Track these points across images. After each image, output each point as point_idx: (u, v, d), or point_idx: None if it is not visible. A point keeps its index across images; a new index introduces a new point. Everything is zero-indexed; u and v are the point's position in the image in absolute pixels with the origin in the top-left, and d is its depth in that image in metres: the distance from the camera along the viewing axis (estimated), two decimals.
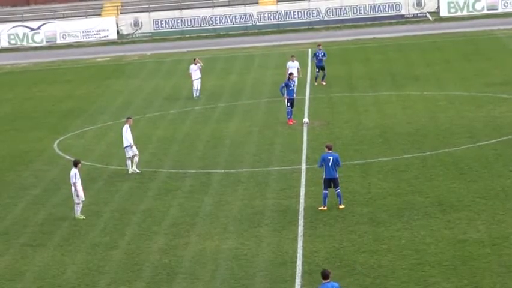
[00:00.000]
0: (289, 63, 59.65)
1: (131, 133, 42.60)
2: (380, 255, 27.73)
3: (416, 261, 27.10)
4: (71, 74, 74.55)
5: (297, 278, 26.26)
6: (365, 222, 31.65)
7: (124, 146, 42.17)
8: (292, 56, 59.90)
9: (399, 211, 32.73)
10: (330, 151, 32.51)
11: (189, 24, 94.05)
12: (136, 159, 42.44)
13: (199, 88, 59.34)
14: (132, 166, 41.91)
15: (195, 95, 59.65)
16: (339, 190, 32.25)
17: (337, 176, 32.73)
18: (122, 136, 42.38)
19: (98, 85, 68.72)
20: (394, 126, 47.30)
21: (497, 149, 40.54)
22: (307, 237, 30.17)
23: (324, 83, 58.50)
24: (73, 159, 36.55)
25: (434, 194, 33.93)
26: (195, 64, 59.66)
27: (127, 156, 42.20)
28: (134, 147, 42.59)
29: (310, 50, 75.70)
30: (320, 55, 60.67)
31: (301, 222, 31.95)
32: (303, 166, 40.70)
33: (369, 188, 36.62)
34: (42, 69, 79.75)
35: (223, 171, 41.03)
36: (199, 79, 59.34)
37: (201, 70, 59.70)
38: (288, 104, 49.29)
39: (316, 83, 58.74)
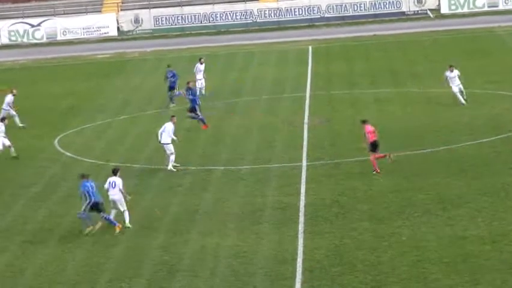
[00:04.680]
0: (198, 65, 60.15)
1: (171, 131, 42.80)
2: (381, 252, 28.03)
3: (417, 258, 27.28)
4: (72, 71, 75.08)
5: (297, 275, 26.31)
6: (366, 219, 31.87)
7: (165, 143, 42.35)
8: (201, 58, 60.46)
9: (399, 208, 32.96)
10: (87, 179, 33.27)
11: (190, 21, 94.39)
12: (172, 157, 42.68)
13: (204, 86, 59.78)
14: (168, 164, 41.96)
15: (198, 93, 58.44)
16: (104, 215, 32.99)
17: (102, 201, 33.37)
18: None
19: (98, 82, 69.15)
20: (394, 123, 47.55)
21: (497, 147, 40.84)
22: (308, 234, 30.42)
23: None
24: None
25: (434, 191, 34.08)
26: (201, 64, 60.10)
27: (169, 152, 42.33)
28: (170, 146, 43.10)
29: (311, 47, 76.47)
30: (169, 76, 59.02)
31: (301, 219, 32.05)
32: (304, 163, 40.76)
33: (370, 185, 36.73)
34: (43, 66, 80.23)
35: (223, 168, 41.19)
36: (204, 78, 59.83)
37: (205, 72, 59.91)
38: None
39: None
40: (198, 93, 54.69)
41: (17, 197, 39.37)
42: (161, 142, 42.18)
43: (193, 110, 51.25)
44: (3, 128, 46.70)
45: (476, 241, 28.30)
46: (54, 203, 37.68)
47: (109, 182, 35.34)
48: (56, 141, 48.41)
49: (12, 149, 45.22)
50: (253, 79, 65.73)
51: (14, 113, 51.77)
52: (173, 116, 43.31)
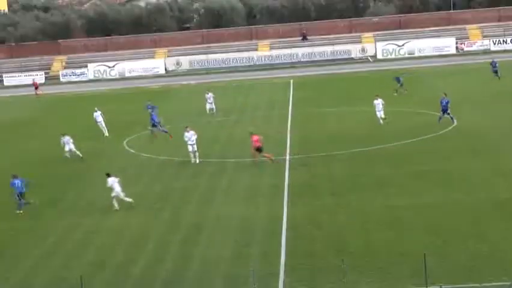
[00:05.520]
0: (209, 95, 58.83)
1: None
2: (338, 215, 28.67)
3: (362, 219, 27.98)
4: (135, 97, 74.58)
5: (283, 231, 26.84)
6: (328, 194, 32.18)
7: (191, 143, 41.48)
8: (209, 90, 59.66)
9: (351, 186, 33.35)
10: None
11: (212, 64, 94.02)
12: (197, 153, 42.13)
13: (214, 107, 58.64)
14: (196, 158, 41.23)
15: (208, 112, 58.82)
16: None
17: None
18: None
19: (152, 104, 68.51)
20: (346, 130, 47.22)
21: (418, 145, 40.85)
22: (290, 204, 30.63)
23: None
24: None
25: (374, 176, 34.21)
26: (208, 93, 59.12)
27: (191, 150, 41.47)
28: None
29: (292, 80, 76.04)
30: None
31: (285, 194, 32.15)
32: (287, 157, 40.79)
33: (331, 171, 37.01)
34: (116, 93, 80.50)
35: (233, 160, 41.41)
36: (212, 102, 58.59)
37: (214, 97, 59.03)
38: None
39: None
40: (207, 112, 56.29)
41: (100, 179, 37.69)
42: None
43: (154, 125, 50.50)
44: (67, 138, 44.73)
45: (403, 208, 28.74)
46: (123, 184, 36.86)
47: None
48: (124, 142, 48.47)
49: (78, 152, 43.95)
50: (253, 101, 65.66)
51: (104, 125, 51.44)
52: (187, 127, 42.57)
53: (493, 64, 68.47)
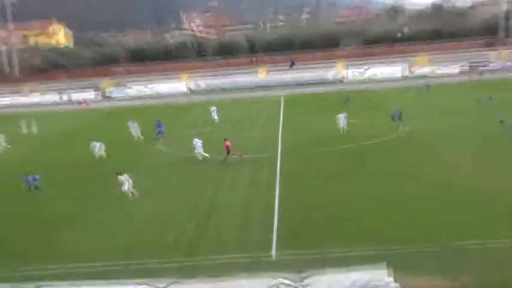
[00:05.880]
0: (213, 108, 59.87)
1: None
2: (317, 195, 29.24)
3: (328, 195, 29.11)
4: (165, 110, 74.82)
5: (275, 216, 26.40)
6: (310, 181, 32.41)
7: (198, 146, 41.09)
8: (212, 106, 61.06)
9: (324, 176, 33.53)
10: None
11: (224, 85, 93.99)
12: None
13: (216, 118, 58.87)
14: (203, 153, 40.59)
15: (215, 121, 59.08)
16: None
17: None
18: (195, 142, 41.62)
19: (178, 114, 69.07)
20: (322, 134, 47.14)
21: (372, 145, 41.04)
22: (282, 193, 30.54)
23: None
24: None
25: (338, 166, 35.08)
26: (212, 108, 60.13)
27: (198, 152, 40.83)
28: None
29: (283, 98, 75.97)
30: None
31: (277, 182, 32.70)
32: (279, 154, 41.08)
33: (310, 165, 36.98)
34: (151, 107, 79.92)
35: (238, 156, 40.34)
36: (216, 114, 59.14)
37: (217, 111, 59.67)
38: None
39: None
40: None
41: (154, 166, 40.00)
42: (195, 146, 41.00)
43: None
44: (97, 144, 43.52)
45: (356, 188, 29.77)
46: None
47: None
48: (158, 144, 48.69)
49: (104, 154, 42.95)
50: (254, 114, 64.96)
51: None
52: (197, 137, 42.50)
53: (425, 86, 71.28)
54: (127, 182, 31.28)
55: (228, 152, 39.25)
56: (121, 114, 71.72)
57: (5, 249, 24.95)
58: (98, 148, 43.06)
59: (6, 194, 35.50)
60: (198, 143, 41.33)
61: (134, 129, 51.77)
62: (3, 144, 52.77)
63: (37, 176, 34.27)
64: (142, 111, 74.54)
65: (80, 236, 26.18)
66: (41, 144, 55.97)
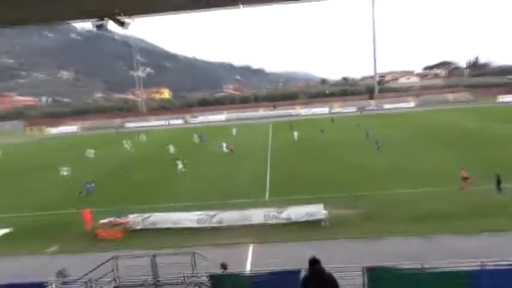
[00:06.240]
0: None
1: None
2: (298, 176, 29.04)
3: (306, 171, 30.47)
4: (211, 129, 72.83)
5: (267, 185, 26.95)
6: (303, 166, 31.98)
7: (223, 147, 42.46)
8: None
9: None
10: None
11: (240, 117, 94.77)
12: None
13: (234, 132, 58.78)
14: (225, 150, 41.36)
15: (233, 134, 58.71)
16: None
17: None
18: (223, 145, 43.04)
19: (221, 129, 67.96)
20: (308, 145, 44.74)
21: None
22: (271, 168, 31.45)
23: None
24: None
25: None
26: (233, 129, 60.17)
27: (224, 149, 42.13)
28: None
29: (271, 124, 72.95)
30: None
31: (267, 175, 30.53)
32: (268, 154, 40.27)
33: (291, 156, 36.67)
34: (206, 127, 77.31)
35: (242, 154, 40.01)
36: (234, 130, 59.09)
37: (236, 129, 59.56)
38: None
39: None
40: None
41: (212, 159, 39.56)
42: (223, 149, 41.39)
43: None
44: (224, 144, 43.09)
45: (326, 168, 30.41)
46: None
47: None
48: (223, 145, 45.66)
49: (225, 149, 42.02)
50: (254, 132, 63.16)
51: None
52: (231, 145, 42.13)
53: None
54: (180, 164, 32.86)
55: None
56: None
57: (138, 195, 26.51)
58: (225, 146, 43.70)
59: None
60: (223, 146, 42.54)
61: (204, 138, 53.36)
62: (129, 145, 54.27)
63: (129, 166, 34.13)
64: (207, 129, 70.96)
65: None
66: (148, 145, 56.55)
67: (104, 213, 21.53)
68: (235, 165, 35.03)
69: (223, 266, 10.42)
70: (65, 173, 35.10)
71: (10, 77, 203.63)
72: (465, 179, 22.96)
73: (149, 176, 33.35)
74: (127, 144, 54.00)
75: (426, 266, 8.16)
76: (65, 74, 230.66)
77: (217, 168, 33.50)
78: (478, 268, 7.94)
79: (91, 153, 46.79)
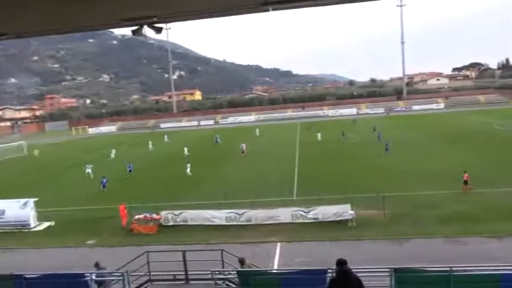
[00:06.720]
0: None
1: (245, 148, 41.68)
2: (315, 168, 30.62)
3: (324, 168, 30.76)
4: (233, 130, 72.90)
5: (295, 178, 27.64)
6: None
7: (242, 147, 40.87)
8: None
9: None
10: None
11: (271, 118, 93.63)
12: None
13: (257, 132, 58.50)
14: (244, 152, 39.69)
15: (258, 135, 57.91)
16: None
17: None
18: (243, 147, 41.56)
19: (249, 130, 67.50)
20: (322, 139, 47.36)
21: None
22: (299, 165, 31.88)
23: None
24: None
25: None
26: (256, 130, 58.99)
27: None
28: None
29: (299, 124, 71.74)
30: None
31: (295, 171, 31.11)
32: (296, 152, 40.35)
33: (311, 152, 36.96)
34: (226, 128, 77.16)
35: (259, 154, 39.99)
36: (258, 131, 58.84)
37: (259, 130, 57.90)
38: None
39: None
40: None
41: (230, 161, 38.97)
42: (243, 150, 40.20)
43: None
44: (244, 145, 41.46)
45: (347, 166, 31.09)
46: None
47: None
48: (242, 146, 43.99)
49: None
50: (283, 131, 62.95)
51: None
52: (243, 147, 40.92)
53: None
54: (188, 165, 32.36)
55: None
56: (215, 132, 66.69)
57: (168, 191, 27.24)
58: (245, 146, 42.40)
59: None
60: (243, 146, 41.03)
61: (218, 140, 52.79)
62: (152, 146, 55.17)
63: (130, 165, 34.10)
64: (224, 131, 69.30)
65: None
66: (171, 144, 57.25)
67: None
68: (253, 165, 35.07)
69: (241, 262, 10.11)
70: (90, 171, 36.03)
71: (56, 81, 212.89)
72: (465, 182, 22.79)
73: (153, 176, 34.12)
74: (151, 145, 54.76)
75: (454, 268, 7.95)
76: (104, 77, 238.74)
77: (232, 171, 33.67)
78: (509, 272, 7.71)
79: (111, 153, 47.95)
